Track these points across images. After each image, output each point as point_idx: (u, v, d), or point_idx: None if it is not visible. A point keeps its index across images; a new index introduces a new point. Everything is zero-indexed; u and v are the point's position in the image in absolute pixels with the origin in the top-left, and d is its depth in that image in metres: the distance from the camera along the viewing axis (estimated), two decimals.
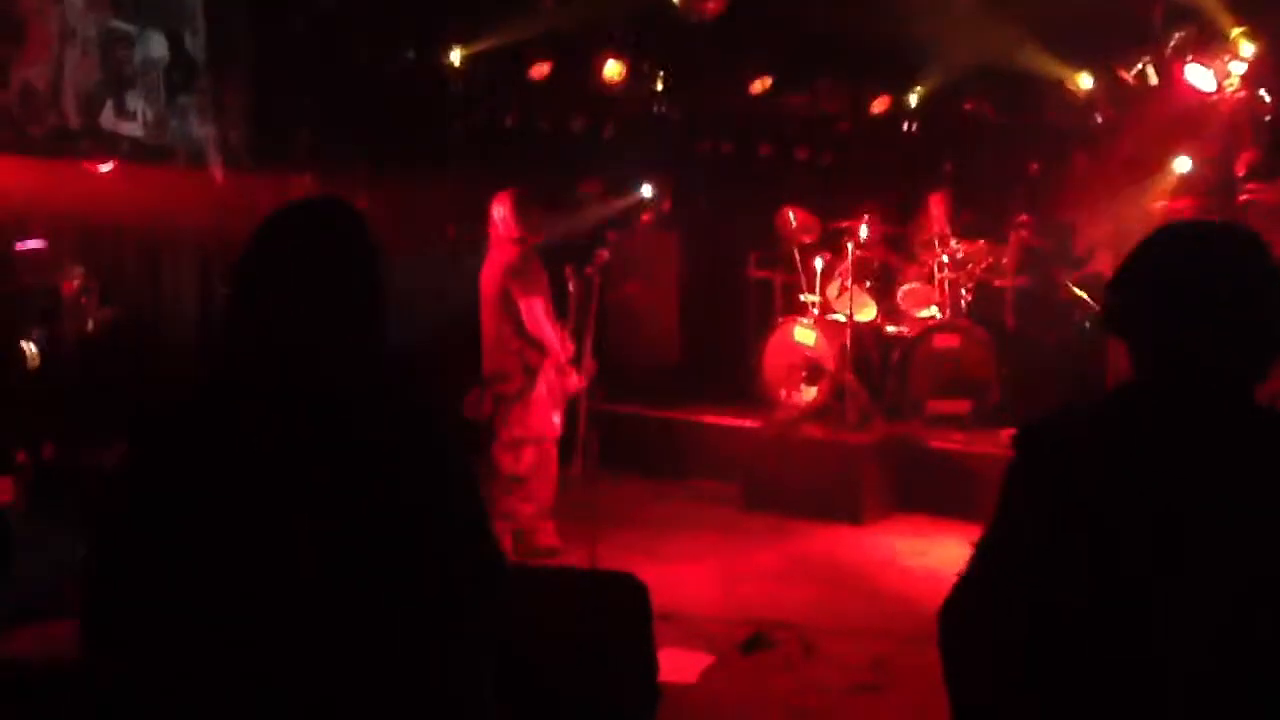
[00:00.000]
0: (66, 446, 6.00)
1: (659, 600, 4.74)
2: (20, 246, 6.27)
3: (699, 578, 6.19)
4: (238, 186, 7.48)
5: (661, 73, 9.90)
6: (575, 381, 5.96)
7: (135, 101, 6.85)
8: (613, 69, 9.39)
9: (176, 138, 7.18)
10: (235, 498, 1.90)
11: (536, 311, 5.74)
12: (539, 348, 5.78)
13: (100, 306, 6.65)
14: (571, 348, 5.98)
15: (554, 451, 6.05)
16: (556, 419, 5.99)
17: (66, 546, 4.64)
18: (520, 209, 5.89)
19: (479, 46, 9.10)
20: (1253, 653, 1.68)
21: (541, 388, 5.84)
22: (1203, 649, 1.69)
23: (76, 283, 6.48)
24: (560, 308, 6.29)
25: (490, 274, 5.87)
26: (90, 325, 6.57)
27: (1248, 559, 1.69)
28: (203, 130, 7.39)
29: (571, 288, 6.16)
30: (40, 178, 6.06)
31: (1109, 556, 1.75)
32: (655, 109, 10.13)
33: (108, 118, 6.62)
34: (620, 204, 9.90)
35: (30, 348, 6.06)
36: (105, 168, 6.50)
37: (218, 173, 7.49)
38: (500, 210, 5.94)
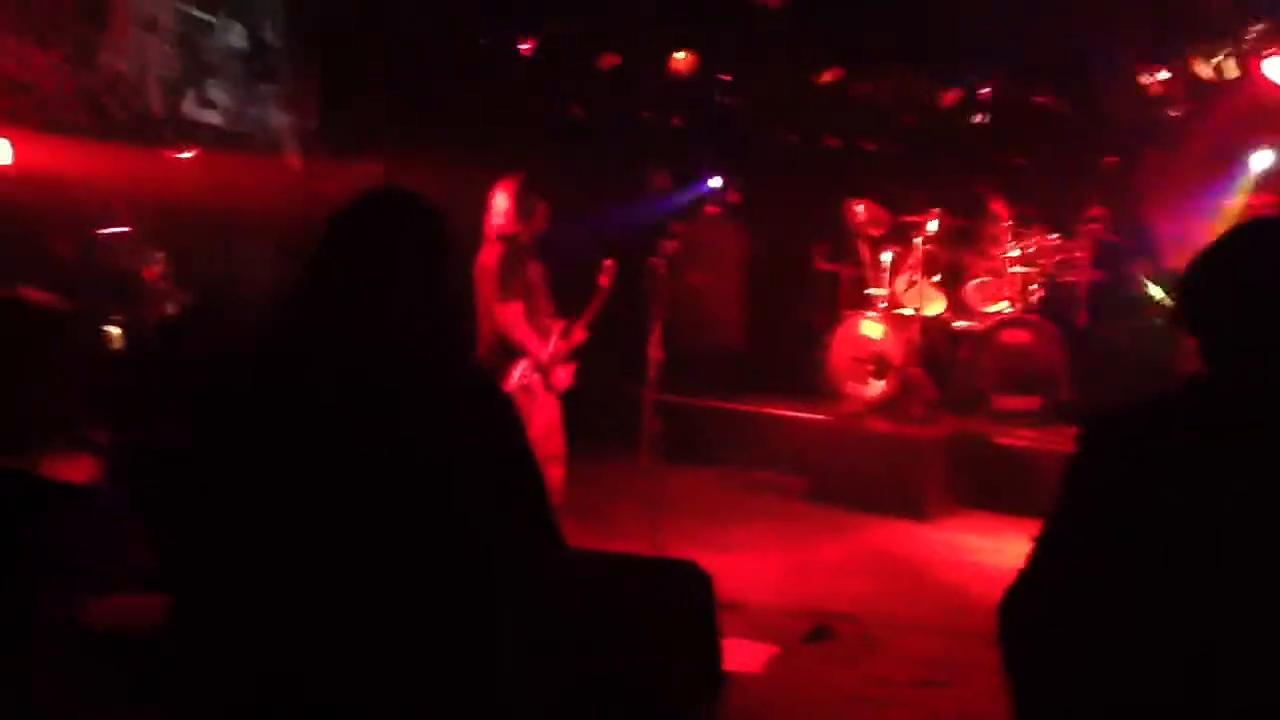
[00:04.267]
0: (142, 426, 6.14)
1: (723, 590, 4.77)
2: (103, 232, 6.45)
3: (763, 569, 6.20)
4: (313, 174, 7.60)
5: (730, 63, 9.89)
6: (562, 379, 5.71)
7: (215, 90, 7.00)
8: (681, 60, 9.40)
9: (254, 126, 7.32)
10: (297, 481, 1.96)
11: (510, 318, 5.47)
12: (517, 352, 5.55)
13: (179, 291, 6.81)
14: (563, 345, 5.71)
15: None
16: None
17: (143, 524, 4.76)
18: (522, 200, 5.53)
19: (549, 36, 9.16)
20: None
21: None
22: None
23: (158, 268, 6.65)
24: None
25: (478, 272, 5.57)
26: (170, 309, 6.74)
27: None
28: (279, 119, 7.53)
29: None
30: (124, 164, 6.22)
31: (1175, 559, 1.72)
32: (723, 100, 10.11)
33: (189, 106, 6.78)
34: (688, 194, 9.92)
35: (113, 330, 6.23)
36: (186, 155, 6.65)
37: (294, 160, 7.62)
38: (501, 200, 5.54)
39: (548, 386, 5.65)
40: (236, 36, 7.24)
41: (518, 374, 5.53)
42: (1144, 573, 1.74)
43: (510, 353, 5.53)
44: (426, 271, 2.11)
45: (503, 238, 5.52)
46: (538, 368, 5.57)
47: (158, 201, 6.56)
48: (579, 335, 5.81)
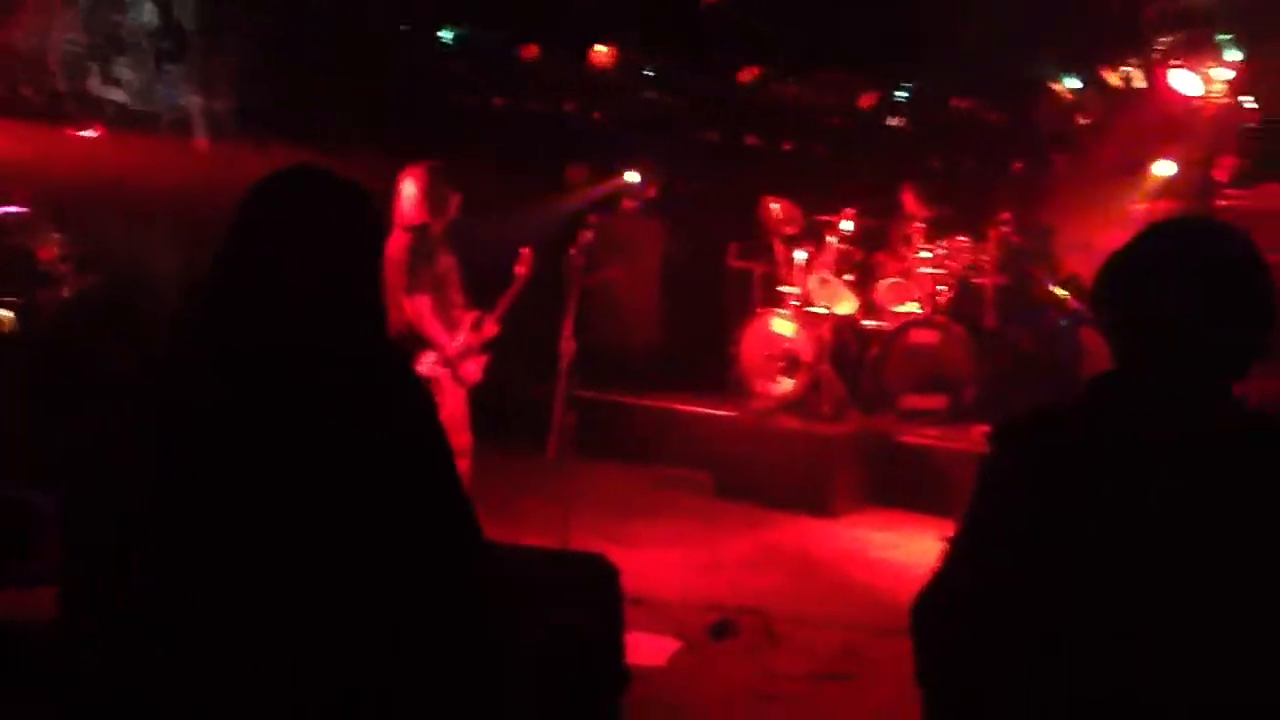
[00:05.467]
0: (43, 413, 5.97)
1: (629, 585, 4.76)
2: None
3: (669, 564, 6.23)
4: (222, 156, 7.46)
5: (651, 58, 9.91)
6: (471, 372, 5.68)
7: (123, 68, 6.83)
8: (603, 53, 9.39)
9: (163, 106, 7.16)
10: (211, 486, 1.88)
11: (417, 310, 5.44)
12: (426, 344, 5.53)
13: (79, 274, 6.63)
14: (474, 338, 5.69)
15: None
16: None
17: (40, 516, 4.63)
18: (431, 188, 5.43)
19: (471, 25, 9.09)
20: (1247, 671, 1.66)
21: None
22: (1195, 667, 1.67)
23: (55, 249, 6.46)
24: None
25: (385, 262, 5.55)
26: (67, 292, 6.55)
27: (1238, 563, 1.67)
28: (189, 99, 7.37)
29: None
30: (23, 141, 6.04)
31: (1091, 558, 1.73)
32: (644, 95, 10.12)
33: (94, 83, 6.60)
34: (605, 188, 9.92)
35: (6, 314, 6.05)
36: (90, 133, 6.48)
37: (203, 142, 7.47)
38: (409, 187, 5.42)
39: (456, 379, 5.61)
40: (146, 14, 7.06)
41: (424, 366, 5.48)
42: (1071, 568, 1.74)
43: (419, 343, 5.49)
44: (347, 249, 2.02)
45: (410, 228, 5.44)
46: (445, 361, 5.54)
47: (58, 181, 6.38)
48: (490, 329, 5.76)
